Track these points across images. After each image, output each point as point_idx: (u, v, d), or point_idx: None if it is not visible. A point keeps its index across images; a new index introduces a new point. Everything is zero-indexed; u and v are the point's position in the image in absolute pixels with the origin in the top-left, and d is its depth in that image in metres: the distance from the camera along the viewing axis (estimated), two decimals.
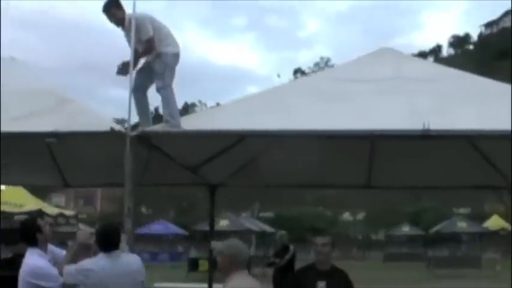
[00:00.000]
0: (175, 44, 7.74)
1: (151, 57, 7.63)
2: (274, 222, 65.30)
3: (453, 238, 51.48)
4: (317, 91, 7.96)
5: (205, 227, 40.90)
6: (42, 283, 6.11)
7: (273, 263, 15.90)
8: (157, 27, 7.63)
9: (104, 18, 7.61)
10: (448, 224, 47.63)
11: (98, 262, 5.94)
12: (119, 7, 7.61)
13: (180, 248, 53.17)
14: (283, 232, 17.60)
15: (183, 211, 64.69)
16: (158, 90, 7.53)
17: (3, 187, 21.74)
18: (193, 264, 32.31)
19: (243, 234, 42.28)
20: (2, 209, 19.76)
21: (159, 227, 49.54)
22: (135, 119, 7.65)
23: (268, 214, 71.24)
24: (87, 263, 5.93)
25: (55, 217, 21.77)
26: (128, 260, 6.17)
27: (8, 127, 7.59)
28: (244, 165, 11.15)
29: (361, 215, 75.12)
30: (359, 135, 7.14)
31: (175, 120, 7.34)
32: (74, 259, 6.15)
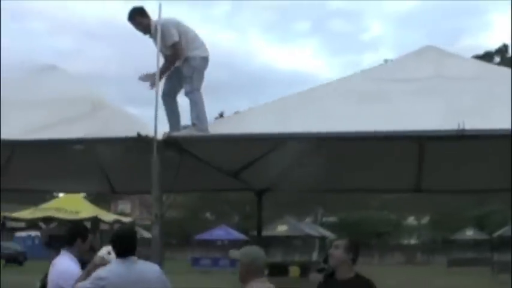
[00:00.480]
0: (203, 47, 7.64)
1: (179, 62, 7.52)
2: (337, 227, 64.92)
3: None
4: (354, 92, 7.72)
5: (264, 231, 40.81)
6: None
7: (323, 269, 15.61)
8: (184, 32, 7.54)
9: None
10: (510, 228, 46.40)
11: (111, 269, 5.83)
12: (144, 15, 7.56)
13: None
14: (333, 237, 17.29)
15: (246, 216, 64.71)
16: (186, 94, 7.43)
17: (61, 194, 22.20)
18: None
19: (306, 240, 42.07)
20: (58, 215, 20.14)
21: (220, 233, 49.65)
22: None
23: (332, 219, 70.79)
24: (100, 271, 5.82)
25: (111, 224, 22.01)
26: (145, 267, 6.02)
27: (40, 134, 7.64)
28: (288, 169, 10.97)
29: (425, 219, 73.97)
30: (388, 136, 6.83)
31: (202, 124, 7.22)
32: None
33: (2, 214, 23.50)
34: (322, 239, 41.88)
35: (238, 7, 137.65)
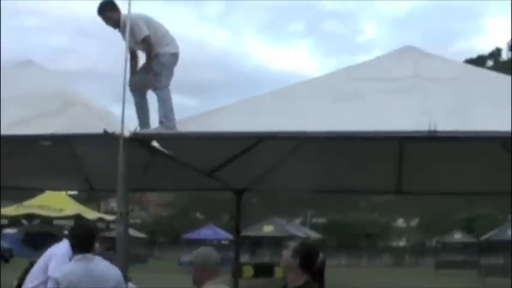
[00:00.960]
0: (173, 44, 7.50)
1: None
2: (326, 228, 64.89)
3: (505, 246, 50.30)
4: (329, 90, 7.60)
5: (249, 232, 40.80)
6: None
7: None
8: (154, 27, 7.40)
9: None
10: (499, 232, 46.51)
11: (67, 268, 5.81)
12: (114, 9, 7.38)
13: (228, 254, 52.97)
14: (318, 238, 17.33)
15: (236, 216, 64.64)
16: (154, 90, 7.31)
17: (48, 192, 22.01)
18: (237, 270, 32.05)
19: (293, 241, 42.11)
20: (41, 212, 20.02)
21: (207, 232, 49.53)
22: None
23: (321, 220, 70.79)
24: (57, 273, 5.75)
25: (95, 221, 21.89)
26: (101, 265, 5.89)
27: (11, 130, 7.51)
28: (267, 170, 10.87)
29: (414, 222, 74.03)
30: (364, 136, 6.73)
31: (170, 121, 7.09)
32: None
33: None
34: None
35: (233, 7, 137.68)
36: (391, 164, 10.40)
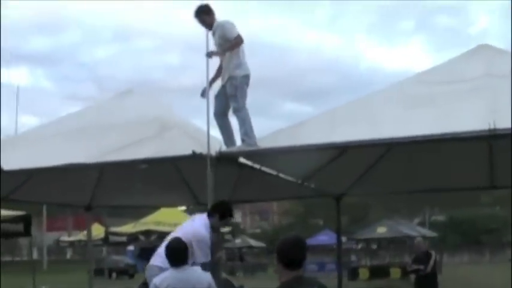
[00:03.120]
0: (244, 66, 8.08)
1: (223, 79, 8.05)
2: (446, 225, 63.71)
3: None
4: (404, 96, 7.96)
5: (363, 234, 40.84)
6: None
7: (418, 269, 15.49)
8: None
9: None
10: None
11: (165, 276, 6.45)
12: (209, 13, 8.18)
13: (348, 258, 53.06)
14: (420, 239, 17.42)
15: (354, 220, 64.46)
16: (233, 112, 7.92)
17: (162, 209, 23.03)
18: (354, 273, 32.31)
19: (405, 241, 42.01)
20: (157, 228, 21.00)
21: (323, 238, 49.72)
22: None
23: (441, 218, 69.55)
24: (155, 278, 6.45)
25: None
26: (194, 272, 6.54)
27: (114, 156, 8.33)
28: (364, 174, 11.28)
29: None
30: (428, 139, 7.05)
31: (251, 139, 7.66)
32: None
33: (106, 229, 24.76)
34: (423, 239, 41.39)
35: (340, 11, 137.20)
36: (481, 161, 10.55)
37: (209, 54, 8.03)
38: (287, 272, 4.18)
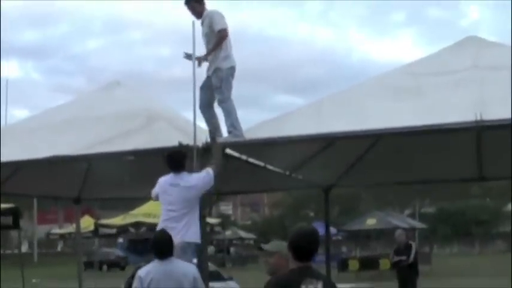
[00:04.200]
0: (230, 58, 8.02)
1: (208, 71, 8.03)
2: (436, 217, 63.96)
3: None
4: (391, 88, 7.96)
5: (353, 226, 40.98)
6: None
7: (401, 260, 16.08)
8: None
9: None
10: None
11: (149, 269, 6.47)
12: (200, 2, 8.13)
13: (339, 250, 53.21)
14: (400, 231, 18.02)
15: (344, 211, 64.65)
16: (219, 104, 7.88)
17: (151, 201, 22.96)
18: (343, 264, 32.40)
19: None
20: (147, 220, 20.98)
21: None
22: None
23: (431, 210, 69.78)
24: (139, 271, 6.45)
25: None
26: (179, 264, 6.53)
27: (100, 148, 8.30)
28: (352, 165, 11.28)
29: None
30: (413, 131, 7.06)
31: (237, 130, 7.64)
32: None
33: (95, 222, 24.70)
34: (412, 230, 41.74)
35: (332, 4, 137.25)
36: (469, 153, 10.56)
37: (188, 56, 7.98)
38: (296, 262, 4.34)
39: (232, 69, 7.98)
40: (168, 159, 7.34)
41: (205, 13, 8.07)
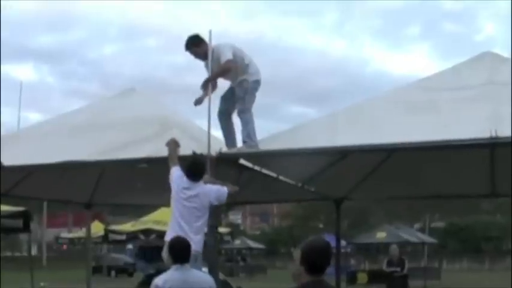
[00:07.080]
0: (256, 71, 8.05)
1: (233, 82, 8.00)
2: (446, 232, 63.65)
3: None
4: (405, 102, 7.95)
5: (363, 239, 40.86)
6: None
7: (395, 271, 17.19)
8: (239, 56, 7.98)
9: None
10: None
11: (167, 276, 6.40)
12: (199, 43, 8.00)
13: (348, 262, 52.99)
14: (394, 246, 18.73)
15: (354, 224, 64.46)
16: (238, 114, 7.88)
17: (162, 208, 23.01)
18: (352, 277, 32.32)
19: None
20: (157, 227, 20.97)
21: None
22: None
23: (440, 224, 69.46)
24: (157, 279, 6.37)
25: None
26: (196, 273, 6.52)
27: (114, 154, 8.32)
28: (364, 178, 11.27)
29: None
30: (424, 146, 7.06)
31: (252, 141, 7.65)
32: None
33: (105, 227, 24.73)
34: (422, 244, 41.60)
35: (347, 15, 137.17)
36: (482, 169, 10.53)
37: (197, 102, 8.03)
38: (308, 276, 4.14)
39: (257, 82, 8.02)
40: (190, 168, 7.17)
41: (212, 50, 7.92)
